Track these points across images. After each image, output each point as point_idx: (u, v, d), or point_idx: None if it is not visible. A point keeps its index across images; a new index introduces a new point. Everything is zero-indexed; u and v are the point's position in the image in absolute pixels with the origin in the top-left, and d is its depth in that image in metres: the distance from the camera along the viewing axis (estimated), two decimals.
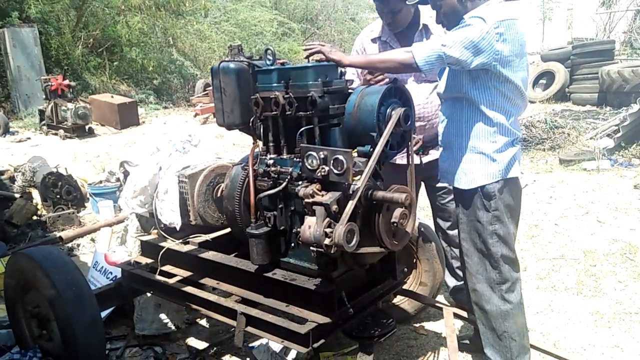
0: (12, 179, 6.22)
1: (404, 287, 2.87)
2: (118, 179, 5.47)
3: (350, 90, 2.28)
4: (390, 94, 2.15)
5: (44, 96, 10.75)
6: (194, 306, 2.60)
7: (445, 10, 2.32)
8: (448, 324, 2.68)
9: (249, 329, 2.30)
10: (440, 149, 2.54)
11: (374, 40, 3.01)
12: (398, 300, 3.09)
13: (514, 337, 2.38)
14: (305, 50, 2.33)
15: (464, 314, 2.77)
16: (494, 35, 2.10)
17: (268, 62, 2.36)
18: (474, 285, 2.43)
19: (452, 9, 2.29)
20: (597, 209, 5.05)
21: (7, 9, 13.28)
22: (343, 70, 2.34)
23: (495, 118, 2.26)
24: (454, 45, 2.11)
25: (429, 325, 3.19)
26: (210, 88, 12.06)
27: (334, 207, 1.95)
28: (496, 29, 2.11)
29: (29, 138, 10.41)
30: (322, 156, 2.00)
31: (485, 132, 2.28)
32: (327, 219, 1.94)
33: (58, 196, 5.54)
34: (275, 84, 2.27)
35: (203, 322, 3.33)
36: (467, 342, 2.87)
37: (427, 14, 2.84)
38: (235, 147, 8.35)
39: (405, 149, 2.24)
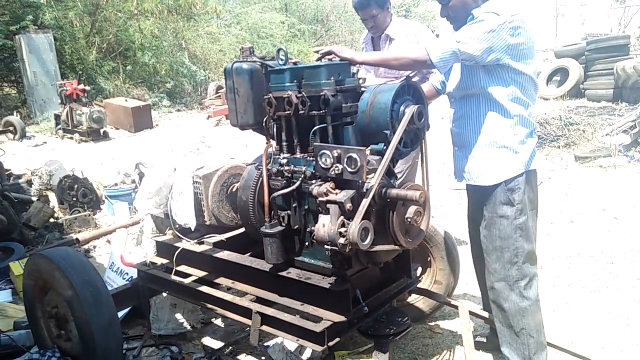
0: (30, 183, 6.31)
1: (419, 285, 2.86)
2: (133, 181, 5.53)
3: (363, 89, 2.28)
4: (403, 91, 2.15)
5: (60, 101, 10.91)
6: (209, 306, 2.62)
7: (454, 3, 2.30)
8: (464, 323, 2.66)
9: (264, 327, 2.31)
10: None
11: (364, 41, 3.71)
12: (413, 298, 3.08)
13: (531, 334, 2.35)
14: (315, 52, 2.35)
15: (480, 312, 2.75)
16: (508, 29, 2.12)
17: (280, 62, 2.37)
18: (492, 284, 2.41)
19: (462, 2, 2.28)
20: (613, 206, 4.98)
21: (22, 15, 13.49)
22: (355, 69, 2.35)
23: (515, 110, 2.26)
24: (468, 41, 2.12)
25: (444, 324, 3.17)
26: (223, 90, 12.17)
27: (348, 205, 1.95)
28: (510, 23, 2.11)
29: (45, 142, 10.57)
30: (335, 155, 2.00)
31: (506, 125, 2.27)
32: (341, 217, 1.95)
33: (74, 199, 5.61)
34: (288, 84, 2.28)
35: (218, 321, 3.35)
36: (484, 340, 2.85)
37: (393, 28, 3.43)
38: (248, 148, 8.38)
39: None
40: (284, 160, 2.32)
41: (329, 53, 2.30)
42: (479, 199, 2.41)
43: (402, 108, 2.12)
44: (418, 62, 2.27)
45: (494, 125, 2.29)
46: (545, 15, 18.63)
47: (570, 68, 11.13)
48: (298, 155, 2.31)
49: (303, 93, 2.20)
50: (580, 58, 11.21)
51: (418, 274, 3.00)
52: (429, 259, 3.02)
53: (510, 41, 2.13)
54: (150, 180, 2.94)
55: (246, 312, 2.38)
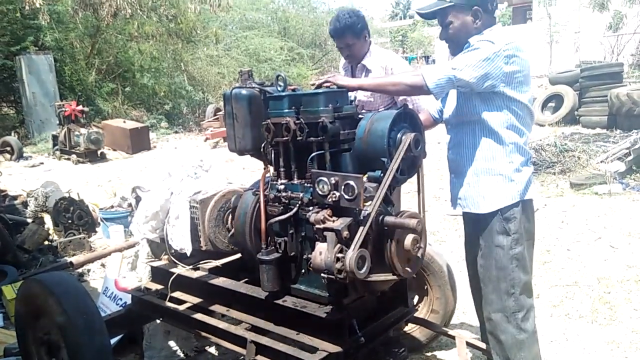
0: (25, 204, 6.28)
1: (416, 314, 2.83)
2: (130, 204, 5.50)
3: (360, 116, 2.29)
4: (400, 119, 2.16)
5: (58, 122, 10.95)
6: (204, 333, 2.57)
7: (455, 26, 2.31)
8: (461, 354, 2.63)
9: (259, 357, 2.27)
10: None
11: (344, 68, 3.63)
12: (409, 328, 3.04)
13: None
14: (312, 85, 2.38)
15: (477, 343, 2.72)
16: (503, 57, 2.15)
17: (279, 89, 2.38)
18: (489, 314, 2.38)
19: (464, 27, 2.30)
20: (609, 234, 4.98)
21: (23, 36, 13.63)
22: (353, 96, 2.37)
23: (510, 138, 2.27)
24: (464, 68, 2.15)
25: (441, 354, 3.12)
26: (221, 113, 12.25)
27: (345, 233, 1.94)
28: (505, 51, 2.15)
29: (42, 163, 10.57)
30: (333, 182, 2.00)
31: (502, 153, 2.28)
32: (338, 245, 1.93)
33: (70, 221, 5.57)
34: (286, 110, 2.29)
35: (212, 350, 3.29)
36: None
37: (370, 59, 3.37)
38: (245, 171, 8.39)
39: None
40: (282, 186, 2.32)
41: (326, 82, 2.34)
42: (475, 227, 2.40)
43: (399, 135, 2.13)
44: (414, 88, 2.30)
45: (490, 152, 2.30)
46: (540, 42, 18.93)
47: (564, 95, 11.26)
48: (295, 181, 2.31)
49: (301, 119, 2.21)
50: (575, 85, 11.36)
51: (415, 303, 2.97)
52: (425, 287, 3.00)
53: (505, 69, 2.17)
54: (147, 204, 2.93)
55: (241, 341, 2.34)
